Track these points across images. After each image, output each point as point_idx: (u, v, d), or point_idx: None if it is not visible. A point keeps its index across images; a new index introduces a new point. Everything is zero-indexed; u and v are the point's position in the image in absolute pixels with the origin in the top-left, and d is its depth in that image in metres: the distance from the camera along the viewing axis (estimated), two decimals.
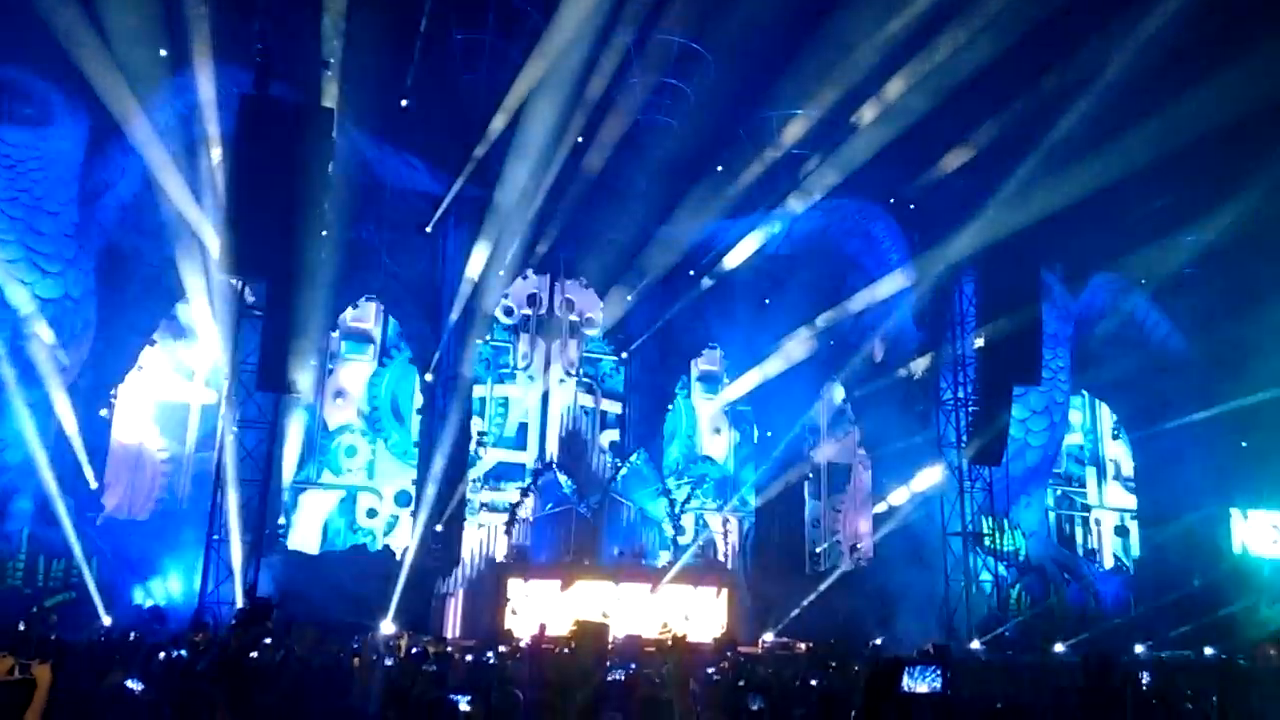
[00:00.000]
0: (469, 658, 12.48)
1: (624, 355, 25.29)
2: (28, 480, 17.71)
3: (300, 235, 18.39)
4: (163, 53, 19.17)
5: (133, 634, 13.41)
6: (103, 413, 20.67)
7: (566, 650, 10.77)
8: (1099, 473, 29.99)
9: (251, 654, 9.16)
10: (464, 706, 7.64)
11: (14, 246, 18.36)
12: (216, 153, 19.56)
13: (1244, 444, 25.47)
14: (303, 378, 19.14)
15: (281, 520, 21.43)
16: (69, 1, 17.08)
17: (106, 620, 15.53)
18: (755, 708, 8.92)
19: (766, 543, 25.61)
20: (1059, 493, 28.88)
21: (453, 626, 19.30)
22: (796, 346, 25.02)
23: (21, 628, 9.24)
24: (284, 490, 21.74)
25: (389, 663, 11.15)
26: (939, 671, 7.62)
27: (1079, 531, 29.12)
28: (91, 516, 18.81)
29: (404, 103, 22.72)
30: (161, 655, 9.88)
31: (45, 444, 17.81)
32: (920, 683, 7.60)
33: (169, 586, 18.28)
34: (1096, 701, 8.05)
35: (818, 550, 26.69)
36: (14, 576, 16.73)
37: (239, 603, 16.28)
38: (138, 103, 19.21)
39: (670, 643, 12.15)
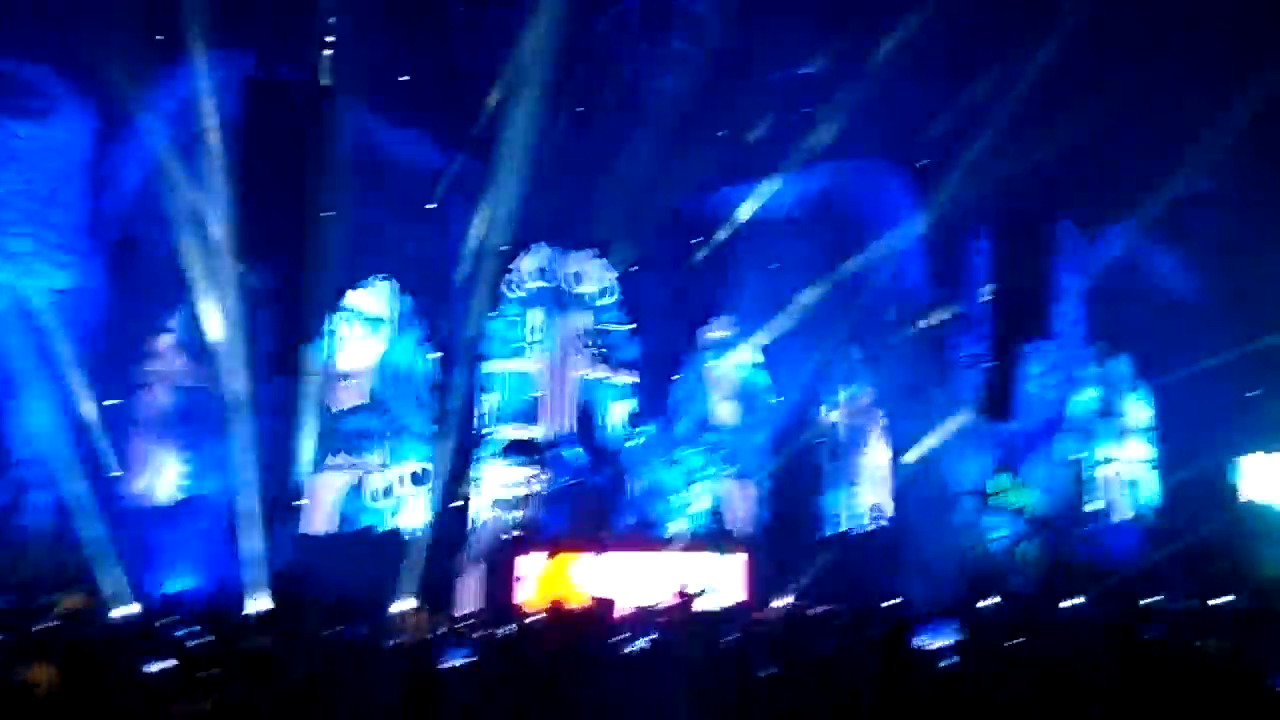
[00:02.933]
0: (482, 632, 12.69)
1: (633, 325, 25.26)
2: (47, 471, 18.06)
3: (307, 217, 18.58)
4: (161, 39, 19.23)
5: (160, 621, 13.70)
6: (119, 403, 20.95)
7: (578, 623, 10.92)
8: (1115, 425, 29.78)
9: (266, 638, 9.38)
10: (459, 662, 7.83)
11: (26, 239, 18.62)
12: (221, 138, 19.64)
13: (1260, 389, 25.27)
14: (313, 360, 19.36)
15: (298, 502, 21.68)
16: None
17: (133, 608, 15.85)
18: (763, 675, 9.03)
19: (781, 508, 25.69)
20: (1074, 446, 28.70)
21: (467, 603, 19.58)
22: (807, 309, 24.94)
23: (36, 627, 9.56)
24: (299, 472, 21.99)
25: (403, 639, 11.37)
26: (956, 626, 7.67)
27: (1094, 485, 29.00)
28: (111, 506, 19.14)
29: (405, 77, 22.72)
30: (187, 639, 10.10)
31: (64, 435, 18.13)
32: (936, 639, 7.68)
33: (189, 572, 18.61)
34: (1120, 653, 8.09)
35: (833, 513, 26.74)
36: (34, 569, 17.06)
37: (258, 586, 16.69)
38: (142, 92, 19.36)
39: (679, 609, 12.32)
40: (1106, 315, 26.73)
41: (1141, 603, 15.61)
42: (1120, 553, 23.73)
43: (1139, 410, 29.88)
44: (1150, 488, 29.03)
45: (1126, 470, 29.42)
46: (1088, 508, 26.85)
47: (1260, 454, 25.26)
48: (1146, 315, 26.99)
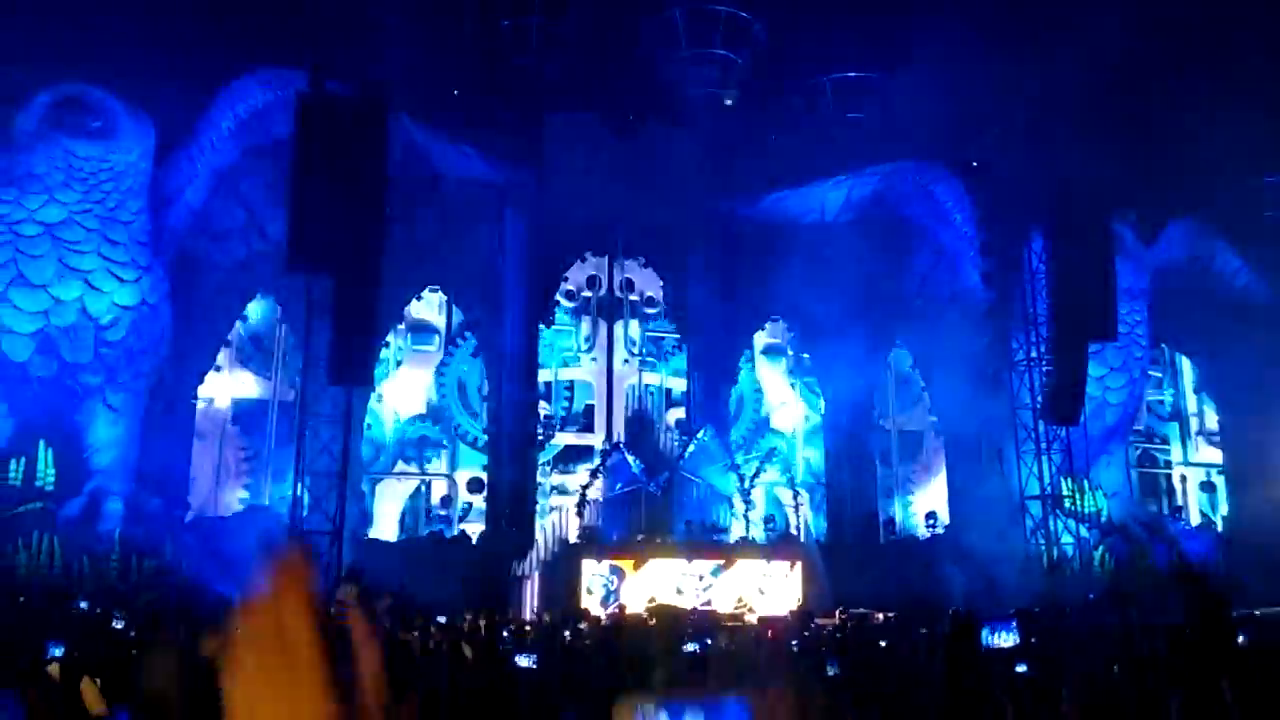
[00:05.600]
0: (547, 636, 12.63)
1: (686, 332, 25.18)
2: (117, 482, 18.39)
3: (363, 229, 18.77)
4: (217, 59, 19.59)
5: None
6: (186, 413, 21.31)
7: (645, 627, 10.80)
8: (1182, 428, 29.10)
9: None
10: (526, 663, 7.75)
11: (91, 257, 18.99)
12: (277, 153, 19.95)
13: None
14: (372, 370, 19.56)
15: (360, 511, 21.89)
16: (130, 14, 17.53)
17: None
18: (831, 673, 8.86)
19: (839, 514, 25.42)
20: (1140, 450, 28.06)
21: (529, 608, 19.58)
22: (861, 313, 24.70)
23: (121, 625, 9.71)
24: (361, 481, 22.19)
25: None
26: (1013, 625, 7.55)
27: (1163, 489, 28.31)
28: (179, 515, 19.45)
29: (455, 92, 22.93)
30: None
31: (132, 446, 18.46)
32: (999, 637, 7.56)
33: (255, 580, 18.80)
34: (1203, 653, 7.75)
35: (892, 519, 26.38)
36: (109, 575, 17.38)
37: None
38: (200, 110, 19.74)
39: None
40: (1169, 316, 26.11)
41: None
42: (1195, 558, 23.07)
43: (1205, 414, 29.14)
44: (1219, 493, 28.30)
45: (1194, 475, 28.71)
46: (1160, 513, 26.19)
47: None
48: (1211, 317, 26.33)
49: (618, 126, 24.54)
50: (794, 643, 11.78)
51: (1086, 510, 22.84)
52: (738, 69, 27.38)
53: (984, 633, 7.44)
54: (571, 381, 24.96)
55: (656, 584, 18.79)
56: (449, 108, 22.60)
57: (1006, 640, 7.81)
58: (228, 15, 19.66)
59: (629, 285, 25.28)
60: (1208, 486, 28.65)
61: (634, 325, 25.23)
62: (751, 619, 16.40)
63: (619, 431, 23.18)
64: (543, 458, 23.40)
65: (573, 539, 20.10)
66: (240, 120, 20.64)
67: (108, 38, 18.00)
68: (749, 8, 26.47)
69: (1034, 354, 23.10)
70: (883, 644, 11.72)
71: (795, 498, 22.79)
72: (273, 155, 20.44)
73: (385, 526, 23.53)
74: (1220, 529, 26.68)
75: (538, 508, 22.44)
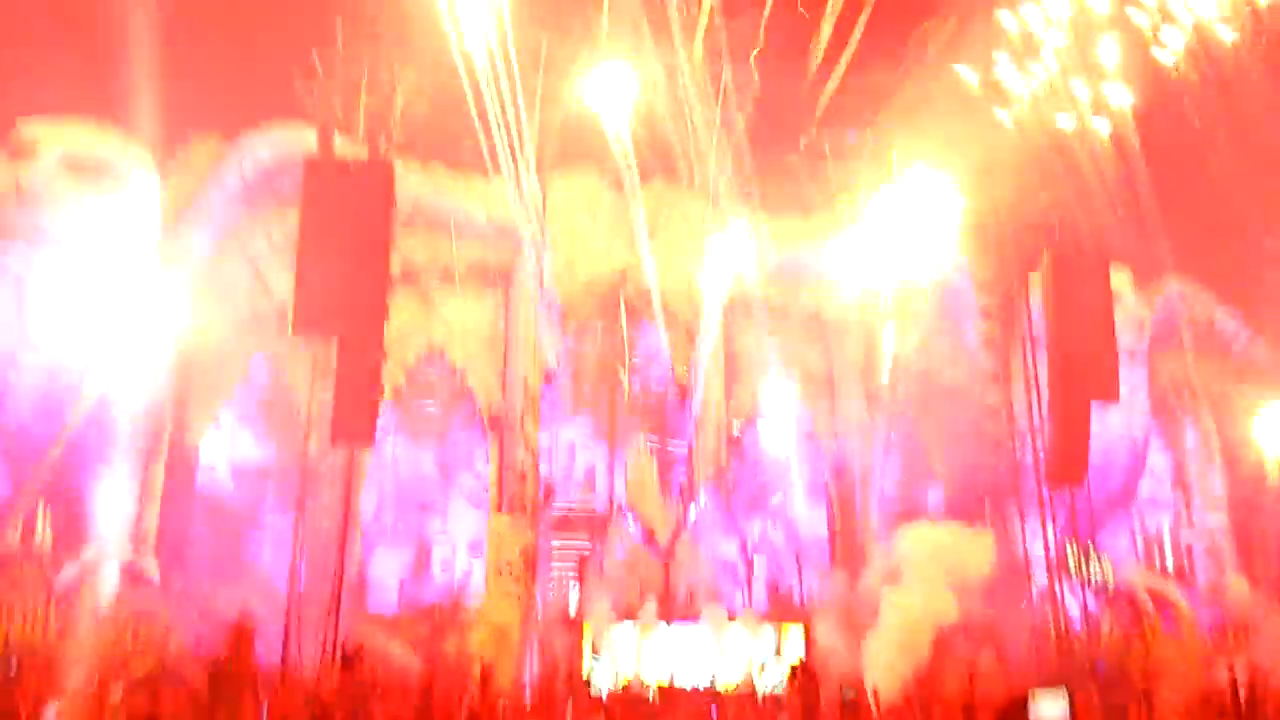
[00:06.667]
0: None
1: (688, 393, 25.06)
2: (115, 545, 18.16)
3: (367, 292, 18.81)
4: (230, 117, 19.83)
5: None
6: (186, 475, 21.13)
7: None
8: (1186, 493, 28.84)
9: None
10: None
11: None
12: (284, 214, 20.08)
13: None
14: (374, 432, 19.43)
15: (359, 573, 21.61)
16: (139, 76, 17.78)
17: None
18: None
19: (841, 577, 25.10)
20: (1146, 515, 27.82)
21: (530, 674, 19.29)
22: (863, 373, 24.68)
23: None
24: (361, 542, 21.91)
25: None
26: (1064, 695, 7.48)
27: (1169, 555, 28.00)
28: (177, 579, 19.19)
29: (458, 145, 23.08)
30: None
31: (131, 509, 18.29)
32: (1048, 711, 7.50)
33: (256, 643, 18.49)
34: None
35: None
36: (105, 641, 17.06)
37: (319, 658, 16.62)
38: (207, 170, 19.92)
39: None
40: (1170, 377, 26.14)
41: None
42: (1204, 625, 22.85)
43: (1210, 478, 28.92)
44: (1227, 558, 28.00)
45: (1200, 539, 28.43)
46: (1167, 578, 25.92)
47: None
48: (1212, 378, 26.37)
49: (623, 183, 24.70)
50: None
51: (1092, 576, 22.64)
52: (737, 125, 27.55)
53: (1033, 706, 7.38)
54: (572, 443, 24.78)
55: (663, 651, 18.57)
56: (454, 164, 22.80)
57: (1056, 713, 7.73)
58: (238, 73, 19.96)
59: (628, 345, 25.22)
60: (1214, 551, 28.35)
61: (634, 384, 25.11)
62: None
63: (620, 495, 22.98)
64: (543, 521, 23.12)
65: (574, 604, 19.88)
66: (245, 181, 20.81)
67: (118, 94, 18.25)
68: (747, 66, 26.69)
69: (1035, 416, 23.01)
70: None
71: (798, 561, 22.59)
72: (279, 215, 20.56)
73: (384, 589, 23.15)
74: (1228, 594, 26.37)
75: (538, 571, 22.12)
